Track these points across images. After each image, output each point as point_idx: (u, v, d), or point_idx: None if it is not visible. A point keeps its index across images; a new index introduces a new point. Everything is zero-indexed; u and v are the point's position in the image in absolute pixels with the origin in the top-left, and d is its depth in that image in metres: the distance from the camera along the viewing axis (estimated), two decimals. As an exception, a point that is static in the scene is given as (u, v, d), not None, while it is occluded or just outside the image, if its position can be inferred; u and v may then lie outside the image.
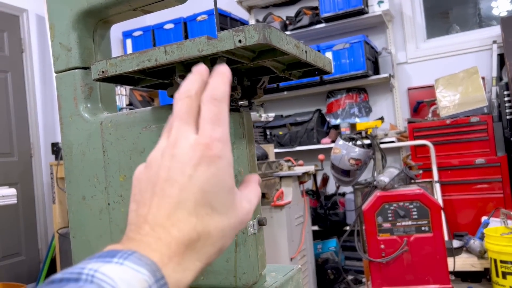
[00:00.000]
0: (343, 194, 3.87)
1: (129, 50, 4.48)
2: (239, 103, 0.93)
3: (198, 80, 0.40)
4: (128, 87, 4.41)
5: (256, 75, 0.93)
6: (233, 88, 0.86)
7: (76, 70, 1.01)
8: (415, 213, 2.55)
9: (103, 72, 0.77)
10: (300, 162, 3.00)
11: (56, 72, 1.04)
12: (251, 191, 0.43)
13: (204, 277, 0.85)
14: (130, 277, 0.30)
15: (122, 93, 2.94)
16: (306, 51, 0.79)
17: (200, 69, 0.41)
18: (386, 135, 2.97)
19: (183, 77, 0.79)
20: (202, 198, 0.36)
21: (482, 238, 2.87)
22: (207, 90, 0.39)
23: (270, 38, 0.65)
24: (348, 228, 3.46)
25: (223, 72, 0.40)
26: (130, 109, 3.10)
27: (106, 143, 0.96)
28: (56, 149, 3.17)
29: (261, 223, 0.94)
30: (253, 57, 0.78)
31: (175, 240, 0.35)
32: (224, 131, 0.39)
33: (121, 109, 2.80)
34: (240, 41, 0.65)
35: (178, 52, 0.70)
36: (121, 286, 0.30)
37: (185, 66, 0.77)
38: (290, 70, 0.90)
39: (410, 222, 2.56)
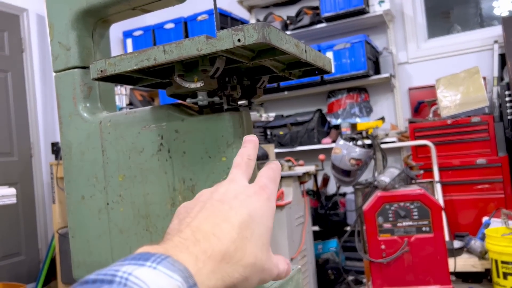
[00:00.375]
0: (344, 194, 3.87)
1: (130, 49, 4.48)
2: (239, 102, 0.93)
3: (255, 148, 0.50)
4: (128, 87, 4.41)
5: (255, 74, 0.92)
6: (232, 88, 0.86)
7: (75, 70, 1.01)
8: (416, 213, 2.54)
9: (101, 71, 0.76)
10: (301, 162, 2.99)
11: (55, 72, 1.04)
12: (281, 260, 0.46)
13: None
14: (164, 283, 0.30)
15: (122, 93, 2.94)
16: (305, 51, 0.79)
17: (254, 139, 0.52)
18: (387, 135, 2.97)
19: (182, 76, 0.78)
20: (247, 220, 0.39)
21: (483, 238, 2.87)
22: (268, 165, 0.49)
23: (269, 37, 0.65)
24: (348, 228, 3.46)
25: (277, 163, 0.51)
26: (130, 108, 3.10)
27: (105, 142, 0.96)
28: (56, 148, 3.17)
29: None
30: (253, 57, 0.77)
31: (213, 247, 0.36)
32: (276, 190, 0.46)
33: (121, 108, 2.80)
34: (239, 40, 0.64)
35: (177, 51, 0.69)
36: None
37: (184, 66, 0.77)
38: (290, 70, 0.90)
39: (410, 223, 2.55)
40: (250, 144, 0.50)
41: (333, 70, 0.95)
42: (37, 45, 3.89)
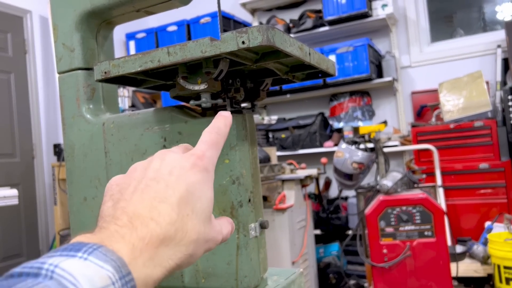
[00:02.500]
0: (346, 198, 3.86)
1: (132, 51, 4.49)
2: (242, 105, 0.93)
3: (224, 124, 0.46)
4: (130, 89, 4.41)
5: (259, 77, 0.92)
6: (235, 90, 0.86)
7: (79, 71, 1.01)
8: (418, 217, 2.54)
9: (105, 73, 0.77)
10: (303, 165, 2.99)
11: (59, 73, 1.04)
12: (224, 223, 0.45)
13: (205, 280, 0.84)
14: (93, 273, 0.30)
15: (124, 95, 2.94)
16: (309, 53, 0.79)
17: (225, 115, 0.48)
18: (389, 139, 2.96)
19: (185, 78, 0.78)
20: (186, 197, 0.38)
21: (485, 243, 2.85)
22: (211, 125, 0.45)
23: (273, 39, 0.64)
24: (350, 232, 3.45)
25: (226, 116, 0.47)
26: (133, 110, 3.10)
27: (108, 144, 0.96)
28: (58, 150, 3.18)
29: (263, 226, 0.93)
30: (256, 59, 0.77)
31: (151, 233, 0.35)
32: (216, 155, 0.43)
33: (123, 110, 2.80)
34: (243, 42, 0.64)
35: (181, 53, 0.69)
36: (82, 282, 0.29)
37: (188, 68, 0.77)
38: (293, 72, 0.90)
39: (413, 227, 2.54)
40: (219, 119, 0.47)
41: (336, 73, 0.95)
42: (40, 47, 3.91)
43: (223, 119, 0.46)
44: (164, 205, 0.37)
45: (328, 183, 4.03)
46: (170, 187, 0.38)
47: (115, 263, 0.31)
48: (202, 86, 0.77)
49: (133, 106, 3.62)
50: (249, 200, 0.86)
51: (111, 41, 1.10)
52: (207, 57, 0.68)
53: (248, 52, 0.73)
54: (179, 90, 0.80)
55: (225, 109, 0.86)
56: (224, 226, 0.44)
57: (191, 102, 0.80)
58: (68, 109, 1.01)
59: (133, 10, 0.99)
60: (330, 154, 3.62)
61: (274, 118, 3.37)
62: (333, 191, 4.05)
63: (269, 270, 0.97)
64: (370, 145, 2.82)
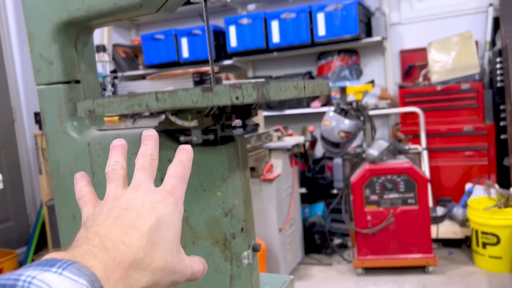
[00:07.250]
0: (331, 158, 3.90)
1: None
2: (233, 124, 0.90)
3: (156, 145, 0.49)
4: (110, 47, 4.24)
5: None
6: (227, 118, 0.83)
7: (59, 85, 0.95)
8: (403, 186, 2.59)
9: (89, 112, 0.72)
10: (290, 131, 2.98)
11: (37, 85, 0.98)
12: (196, 261, 0.46)
13: (200, 309, 0.85)
14: (69, 286, 0.30)
15: (105, 60, 2.82)
16: (304, 87, 0.75)
17: (154, 135, 0.49)
18: (376, 106, 2.96)
19: (175, 114, 0.75)
20: (155, 227, 0.40)
21: (465, 206, 2.95)
22: (175, 160, 0.47)
23: (268, 95, 0.61)
24: (335, 191, 3.52)
25: (187, 149, 0.48)
26: (115, 76, 2.94)
27: (95, 165, 0.93)
28: (39, 119, 3.08)
29: (255, 249, 0.94)
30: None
31: (121, 254, 0.37)
32: (184, 188, 0.45)
33: (104, 76, 2.69)
34: (237, 98, 0.61)
35: (171, 100, 0.65)
36: None
37: (178, 110, 0.73)
38: (286, 96, 0.87)
39: (397, 195, 2.61)
40: (151, 141, 0.48)
41: (331, 92, 0.92)
42: (12, 4, 3.67)
43: (185, 153, 0.47)
44: (135, 231, 0.39)
45: (313, 142, 4.05)
46: (141, 216, 0.40)
47: (89, 278, 0.32)
48: (193, 124, 0.74)
49: (114, 71, 3.49)
50: (242, 229, 0.85)
51: (92, 45, 1.04)
52: (198, 108, 0.65)
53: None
54: (169, 124, 0.77)
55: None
56: (195, 263, 0.45)
57: (182, 139, 0.77)
58: (50, 125, 0.97)
59: (114, 20, 0.93)
60: (316, 116, 3.60)
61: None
62: (319, 150, 4.08)
63: (260, 277, 0.99)
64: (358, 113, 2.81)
